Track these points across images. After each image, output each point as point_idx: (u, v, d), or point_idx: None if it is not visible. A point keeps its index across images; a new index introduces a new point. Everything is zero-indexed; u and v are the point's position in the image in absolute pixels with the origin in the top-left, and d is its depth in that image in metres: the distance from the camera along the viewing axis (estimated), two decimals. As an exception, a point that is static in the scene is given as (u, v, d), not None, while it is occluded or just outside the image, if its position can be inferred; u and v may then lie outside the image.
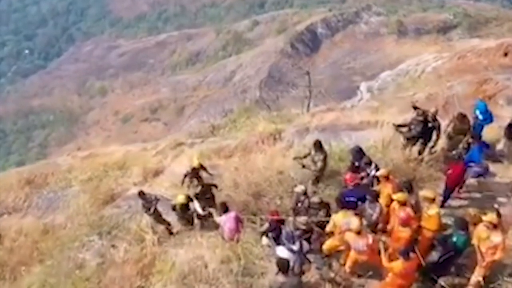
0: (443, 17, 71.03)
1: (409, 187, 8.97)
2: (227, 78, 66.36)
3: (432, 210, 8.51)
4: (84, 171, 18.10)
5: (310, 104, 18.96)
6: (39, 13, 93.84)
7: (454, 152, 10.20)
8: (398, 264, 7.74)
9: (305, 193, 9.83)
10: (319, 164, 10.46)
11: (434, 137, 10.48)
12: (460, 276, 8.33)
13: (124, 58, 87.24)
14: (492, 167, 10.38)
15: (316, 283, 8.73)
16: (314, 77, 28.60)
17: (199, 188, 11.39)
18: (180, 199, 10.80)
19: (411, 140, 10.58)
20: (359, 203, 9.41)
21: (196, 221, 10.99)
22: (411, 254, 7.86)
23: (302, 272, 8.60)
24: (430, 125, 10.39)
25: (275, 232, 9.38)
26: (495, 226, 7.84)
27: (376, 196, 8.84)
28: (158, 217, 11.61)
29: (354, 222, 8.15)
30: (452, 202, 10.03)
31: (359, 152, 10.13)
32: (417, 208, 8.75)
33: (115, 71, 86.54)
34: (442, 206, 9.63)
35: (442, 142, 10.67)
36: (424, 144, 10.60)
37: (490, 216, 7.95)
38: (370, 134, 12.65)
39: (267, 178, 11.93)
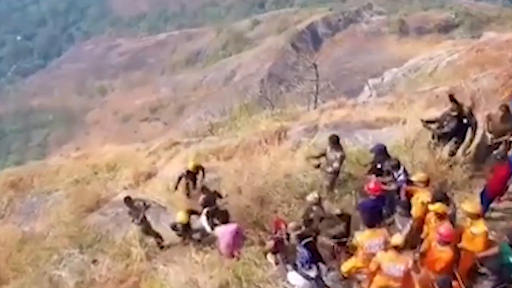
0: (445, 16, 69.55)
1: (444, 196, 7.25)
2: (227, 77, 64.77)
3: (477, 228, 6.70)
4: (72, 173, 16.37)
5: (317, 100, 17.26)
6: (39, 13, 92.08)
7: (495, 152, 8.45)
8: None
9: (318, 202, 8.11)
10: (335, 164, 8.73)
11: (469, 135, 8.75)
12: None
13: (124, 57, 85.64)
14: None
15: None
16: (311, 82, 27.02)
17: (202, 197, 9.66)
18: (182, 217, 9.07)
19: (442, 138, 8.83)
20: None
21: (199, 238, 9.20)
22: (453, 283, 6.15)
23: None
24: (465, 121, 8.66)
25: (282, 249, 7.72)
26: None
27: (408, 207, 7.09)
28: (147, 228, 9.90)
29: (396, 238, 6.41)
30: (492, 213, 8.30)
31: (383, 153, 8.41)
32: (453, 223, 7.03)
33: (115, 71, 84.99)
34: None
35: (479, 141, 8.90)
36: (458, 143, 8.87)
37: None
38: (389, 132, 10.92)
39: (273, 182, 10.20)
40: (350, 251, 7.67)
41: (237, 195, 10.35)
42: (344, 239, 7.88)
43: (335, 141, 8.80)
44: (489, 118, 8.75)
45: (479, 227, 6.73)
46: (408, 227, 6.93)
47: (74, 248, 10.38)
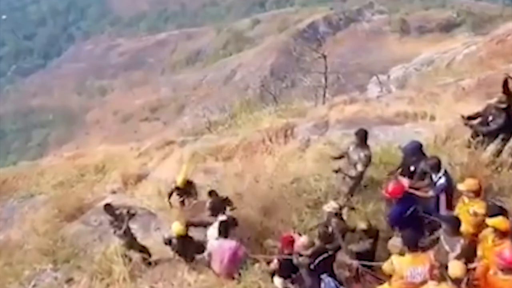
0: (446, 15, 67.89)
1: (501, 208, 5.61)
2: (228, 76, 63.13)
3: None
4: (57, 175, 14.74)
5: (326, 94, 15.61)
6: (39, 12, 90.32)
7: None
8: None
9: (339, 213, 6.47)
10: (360, 167, 7.07)
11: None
12: None
13: (124, 57, 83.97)
14: None
15: None
16: (318, 74, 25.32)
17: (210, 202, 7.99)
18: (178, 229, 7.35)
19: (488, 136, 7.16)
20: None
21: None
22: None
23: None
24: (515, 116, 7.01)
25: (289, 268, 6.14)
26: None
27: (457, 223, 5.43)
28: (131, 241, 8.23)
29: (456, 267, 4.77)
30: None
31: (418, 152, 6.74)
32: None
33: (115, 71, 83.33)
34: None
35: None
36: (505, 141, 7.22)
37: None
38: (414, 129, 9.29)
39: (279, 187, 8.57)
40: (379, 275, 6.04)
41: (238, 202, 8.72)
42: (370, 259, 6.25)
43: (362, 138, 7.11)
44: None
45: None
46: (458, 249, 5.27)
47: (48, 263, 8.73)
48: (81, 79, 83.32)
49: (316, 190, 8.20)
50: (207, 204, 8.12)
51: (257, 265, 6.98)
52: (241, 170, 9.66)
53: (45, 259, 8.83)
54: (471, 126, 7.33)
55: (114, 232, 8.09)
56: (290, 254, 6.26)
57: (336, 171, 7.35)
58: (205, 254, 6.99)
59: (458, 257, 5.26)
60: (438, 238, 5.56)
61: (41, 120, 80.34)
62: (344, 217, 6.90)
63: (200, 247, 7.29)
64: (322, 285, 5.45)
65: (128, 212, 8.18)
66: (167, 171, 11.49)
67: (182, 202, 8.91)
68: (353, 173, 7.14)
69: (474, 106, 8.65)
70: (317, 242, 6.06)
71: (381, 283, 5.71)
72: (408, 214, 6.11)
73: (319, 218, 7.67)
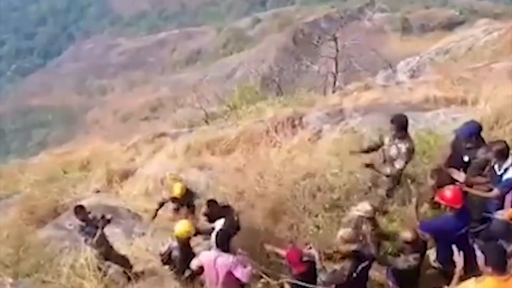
0: (449, 13, 66.25)
1: None
2: (228, 75, 61.56)
3: None
4: (39, 172, 13.08)
5: (336, 82, 13.97)
6: (39, 12, 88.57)
7: None
8: None
9: (373, 218, 4.81)
10: (400, 163, 5.40)
11: None
12: None
13: (124, 56, 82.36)
14: None
15: None
16: (321, 71, 23.68)
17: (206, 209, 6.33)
18: (185, 228, 5.55)
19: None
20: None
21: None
22: None
23: None
24: None
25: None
26: None
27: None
28: (106, 250, 6.58)
29: None
30: None
31: (476, 136, 5.06)
32: None
33: (115, 70, 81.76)
34: None
35: None
36: None
37: None
38: (450, 115, 7.61)
39: (288, 184, 6.89)
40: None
41: (238, 203, 7.06)
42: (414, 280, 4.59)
43: (402, 126, 5.40)
44: None
45: None
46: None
47: (7, 277, 7.05)
48: (81, 78, 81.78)
49: (334, 188, 6.53)
50: (203, 209, 6.43)
51: (260, 284, 5.34)
52: (242, 165, 7.98)
53: (6, 271, 7.16)
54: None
55: (85, 240, 6.44)
56: (302, 274, 4.61)
57: (368, 165, 5.66)
58: (193, 265, 5.24)
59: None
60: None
61: (40, 120, 78.79)
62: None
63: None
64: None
65: (103, 217, 6.51)
66: (157, 167, 9.84)
67: (176, 211, 7.18)
68: (391, 170, 5.46)
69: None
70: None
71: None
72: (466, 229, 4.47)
73: (340, 223, 6.03)
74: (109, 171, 10.55)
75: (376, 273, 4.97)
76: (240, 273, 4.66)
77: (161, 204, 7.24)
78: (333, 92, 12.60)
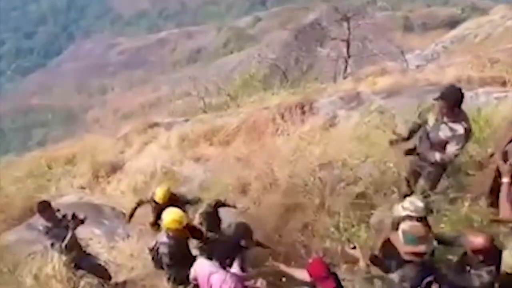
0: (451, 11, 65.02)
1: None
2: (228, 74, 60.38)
3: None
4: (23, 168, 11.80)
5: (348, 68, 12.68)
6: (39, 11, 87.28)
7: None
8: None
9: (424, 217, 3.50)
10: (456, 145, 4.10)
11: None
12: None
13: (124, 56, 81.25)
14: None
15: None
16: (323, 66, 22.31)
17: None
18: (172, 218, 4.31)
19: None
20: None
21: None
22: None
23: None
24: None
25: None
26: None
27: None
28: (79, 256, 5.28)
29: None
30: None
31: None
32: None
33: (115, 69, 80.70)
34: None
35: None
36: None
37: None
38: (492, 94, 6.30)
39: (303, 174, 5.60)
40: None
41: (241, 199, 5.79)
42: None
43: (457, 100, 4.10)
44: None
45: None
46: None
47: (-39, 290, 5.77)
48: (81, 78, 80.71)
49: (358, 179, 5.24)
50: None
51: None
52: (244, 155, 6.68)
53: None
54: None
55: (52, 244, 5.14)
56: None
57: (410, 152, 4.34)
58: (190, 276, 4.02)
59: None
60: None
61: (40, 119, 77.69)
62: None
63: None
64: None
65: (74, 216, 5.20)
66: (148, 159, 8.56)
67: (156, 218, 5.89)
68: (440, 156, 4.15)
69: None
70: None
71: None
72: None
73: (367, 224, 4.75)
74: (95, 165, 9.26)
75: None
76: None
77: (139, 203, 5.96)
78: (344, 78, 11.32)
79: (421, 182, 4.41)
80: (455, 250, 3.58)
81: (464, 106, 4.46)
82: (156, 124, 10.07)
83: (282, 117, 8.21)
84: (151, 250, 4.70)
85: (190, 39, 79.16)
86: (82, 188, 9.47)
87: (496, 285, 3.21)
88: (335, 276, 3.57)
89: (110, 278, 5.46)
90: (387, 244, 3.48)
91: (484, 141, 4.90)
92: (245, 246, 3.89)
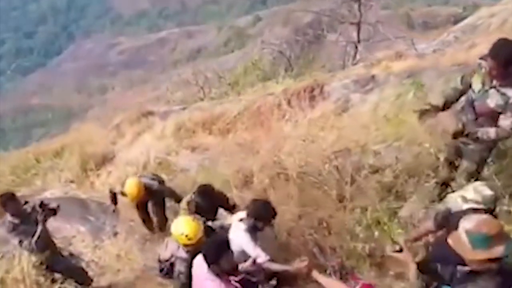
0: (452, 10, 64.37)
1: None
2: (229, 70, 59.65)
3: None
4: (10, 161, 10.94)
5: (357, 54, 11.84)
6: (39, 11, 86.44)
7: None
8: None
9: (492, 209, 2.61)
10: (510, 118, 3.20)
11: None
12: None
13: (124, 55, 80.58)
14: None
15: None
16: (331, 53, 21.41)
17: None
18: (194, 229, 3.44)
19: None
20: None
21: None
22: None
23: None
24: None
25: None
26: None
27: None
28: (53, 257, 4.41)
29: None
30: None
31: None
32: None
33: (115, 69, 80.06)
34: None
35: None
36: None
37: None
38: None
39: (315, 163, 4.74)
40: None
41: (244, 192, 4.93)
42: None
43: (511, 58, 3.16)
44: None
45: None
46: None
47: None
48: (81, 77, 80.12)
49: (385, 166, 4.37)
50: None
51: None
52: (249, 141, 5.82)
53: None
54: None
55: (20, 242, 4.26)
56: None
57: (457, 134, 3.39)
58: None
59: None
60: None
61: (41, 119, 77.03)
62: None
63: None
64: None
65: (42, 204, 4.32)
66: (140, 150, 7.70)
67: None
68: (493, 134, 3.26)
69: None
70: None
71: None
72: None
73: (399, 219, 3.89)
74: (84, 157, 8.41)
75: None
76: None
77: (113, 194, 5.18)
78: (354, 64, 10.49)
79: (464, 163, 3.53)
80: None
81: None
82: (150, 113, 9.22)
83: (289, 102, 7.36)
84: (162, 261, 3.74)
85: (190, 38, 78.40)
86: (71, 182, 8.66)
87: None
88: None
89: (91, 282, 4.61)
90: (438, 247, 2.63)
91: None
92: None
